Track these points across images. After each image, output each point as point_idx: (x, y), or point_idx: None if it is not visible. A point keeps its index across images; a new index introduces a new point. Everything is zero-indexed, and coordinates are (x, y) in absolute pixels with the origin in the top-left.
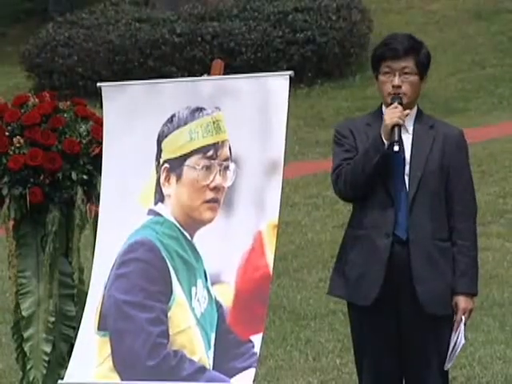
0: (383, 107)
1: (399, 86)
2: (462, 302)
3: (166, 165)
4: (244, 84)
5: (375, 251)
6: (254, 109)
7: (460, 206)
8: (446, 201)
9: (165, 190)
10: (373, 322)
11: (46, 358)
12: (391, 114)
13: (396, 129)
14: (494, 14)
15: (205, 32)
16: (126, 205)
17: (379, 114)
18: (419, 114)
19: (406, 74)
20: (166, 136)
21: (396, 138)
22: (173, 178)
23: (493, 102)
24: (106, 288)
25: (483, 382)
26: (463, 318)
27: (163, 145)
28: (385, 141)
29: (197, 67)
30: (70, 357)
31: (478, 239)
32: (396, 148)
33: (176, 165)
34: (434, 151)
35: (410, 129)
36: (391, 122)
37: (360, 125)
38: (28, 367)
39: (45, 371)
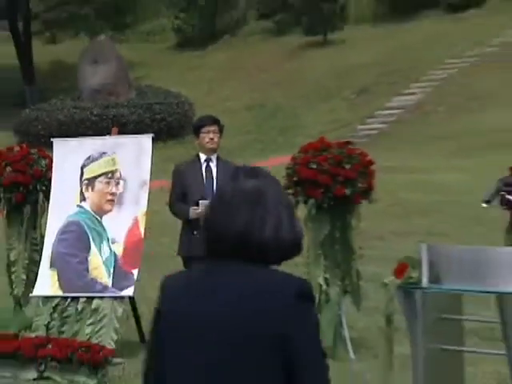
0: (200, 154)
1: (212, 138)
2: None
3: (86, 181)
4: (128, 141)
5: None
6: (133, 153)
7: None
8: None
9: (86, 195)
10: None
11: (24, 283)
12: (193, 215)
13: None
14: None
15: (110, 114)
16: (64, 202)
17: (197, 159)
18: (218, 156)
19: (215, 132)
20: (85, 166)
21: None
22: (89, 188)
23: (260, 148)
24: (53, 245)
25: None
26: None
27: (84, 170)
28: (190, 215)
29: (105, 133)
30: (35, 282)
31: None
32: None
33: (91, 181)
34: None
35: (215, 162)
36: (194, 217)
37: (187, 165)
38: (13, 287)
39: (23, 289)
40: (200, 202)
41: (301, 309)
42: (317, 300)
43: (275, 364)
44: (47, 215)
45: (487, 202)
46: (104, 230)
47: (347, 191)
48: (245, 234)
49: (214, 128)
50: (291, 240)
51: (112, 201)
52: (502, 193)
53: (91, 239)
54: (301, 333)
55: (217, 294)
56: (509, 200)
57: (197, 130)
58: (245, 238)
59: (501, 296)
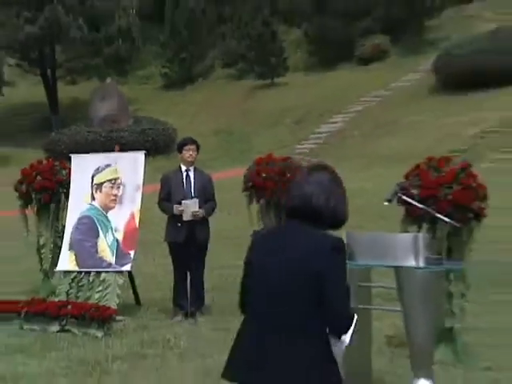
0: (182, 166)
1: (192, 154)
2: None
3: (95, 186)
4: (127, 155)
5: None
6: (130, 165)
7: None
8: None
9: (95, 196)
10: None
11: (50, 261)
12: (176, 211)
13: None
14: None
15: (114, 136)
16: (79, 201)
17: (179, 169)
18: (195, 167)
19: (193, 150)
20: (95, 175)
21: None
22: (98, 191)
23: (225, 161)
24: (71, 233)
25: None
26: None
27: (94, 178)
28: (174, 211)
29: (110, 150)
30: (58, 260)
31: None
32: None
33: (99, 186)
34: (204, 183)
35: (193, 172)
36: (177, 213)
37: (171, 174)
38: (42, 264)
39: (49, 265)
40: (182, 201)
41: (333, 257)
42: None
43: (315, 293)
44: (67, 211)
45: (388, 201)
46: (109, 221)
47: None
48: (306, 201)
49: (193, 147)
50: (335, 212)
51: (115, 200)
52: (399, 194)
53: (99, 229)
54: (332, 272)
55: (285, 249)
56: (404, 200)
57: (180, 148)
58: (306, 203)
59: (397, 269)
